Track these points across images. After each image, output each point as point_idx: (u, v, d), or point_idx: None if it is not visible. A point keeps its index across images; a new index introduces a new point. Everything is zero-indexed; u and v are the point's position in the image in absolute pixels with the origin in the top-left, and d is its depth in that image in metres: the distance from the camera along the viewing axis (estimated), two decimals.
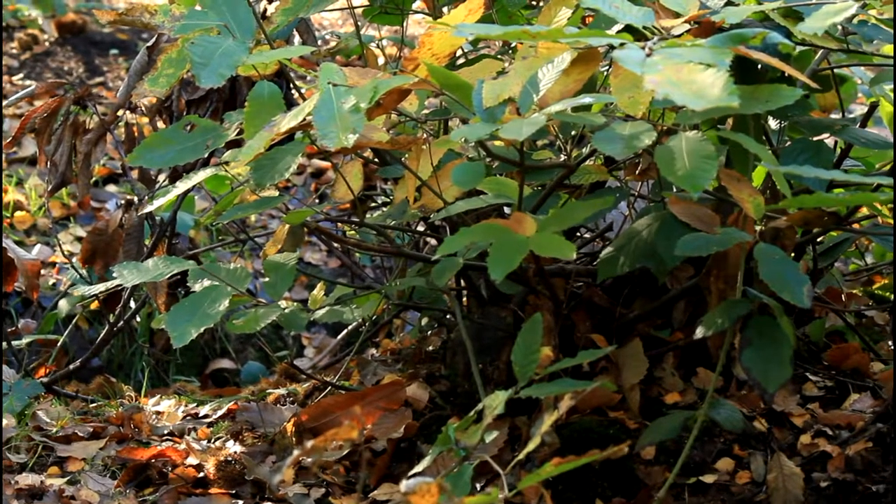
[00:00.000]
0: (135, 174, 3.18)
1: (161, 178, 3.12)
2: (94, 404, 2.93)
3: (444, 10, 2.61)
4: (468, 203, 2.25)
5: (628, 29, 1.99)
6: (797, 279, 1.93)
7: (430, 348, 2.77)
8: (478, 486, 2.24)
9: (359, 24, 2.78)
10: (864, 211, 2.56)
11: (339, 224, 3.23)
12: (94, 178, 4.40)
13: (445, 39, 2.14)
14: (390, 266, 3.18)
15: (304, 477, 2.42)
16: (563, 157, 2.35)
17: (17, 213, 4.26)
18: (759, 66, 2.15)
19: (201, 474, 2.42)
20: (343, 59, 3.69)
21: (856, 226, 2.55)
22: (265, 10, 2.69)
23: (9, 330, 3.54)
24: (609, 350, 2.14)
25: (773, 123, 2.38)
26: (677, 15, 2.01)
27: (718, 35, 1.90)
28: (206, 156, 2.37)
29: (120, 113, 3.01)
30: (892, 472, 2.21)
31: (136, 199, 3.04)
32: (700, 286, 2.14)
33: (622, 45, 1.81)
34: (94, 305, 3.57)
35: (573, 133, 2.36)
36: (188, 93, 2.97)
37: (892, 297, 2.83)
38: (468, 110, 2.03)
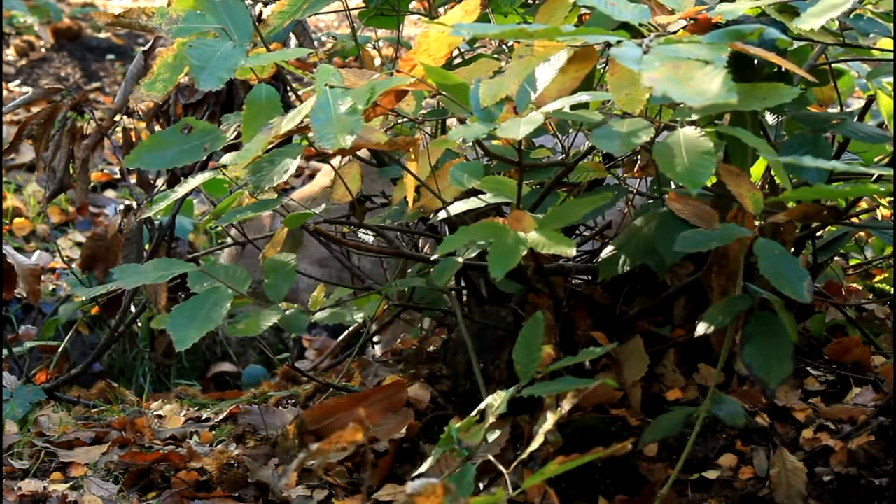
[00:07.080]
0: (133, 179, 3.18)
1: (159, 182, 3.12)
2: (95, 409, 2.93)
3: (441, 10, 2.60)
4: (467, 203, 2.25)
5: (625, 26, 1.99)
6: (797, 274, 1.93)
7: (431, 348, 2.77)
8: (481, 485, 2.24)
9: (355, 25, 2.78)
10: (864, 205, 2.55)
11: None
12: (92, 184, 4.39)
13: (442, 40, 2.14)
14: (389, 267, 3.17)
15: (307, 479, 2.42)
16: (560, 156, 2.35)
17: (16, 220, 4.26)
18: (756, 62, 2.15)
19: (204, 478, 2.42)
20: (340, 60, 3.69)
21: (855, 220, 2.55)
22: (261, 13, 2.69)
23: (9, 336, 3.53)
24: (610, 348, 2.14)
25: (770, 118, 2.38)
26: (673, 11, 2.01)
27: (715, 31, 1.90)
28: (204, 159, 2.37)
29: (117, 118, 3.01)
30: (894, 465, 2.21)
31: (134, 203, 3.04)
32: (701, 282, 2.14)
33: (619, 42, 1.81)
34: (95, 311, 3.57)
35: (571, 131, 2.36)
36: (185, 97, 2.97)
37: (893, 290, 2.83)
38: (465, 110, 2.03)
